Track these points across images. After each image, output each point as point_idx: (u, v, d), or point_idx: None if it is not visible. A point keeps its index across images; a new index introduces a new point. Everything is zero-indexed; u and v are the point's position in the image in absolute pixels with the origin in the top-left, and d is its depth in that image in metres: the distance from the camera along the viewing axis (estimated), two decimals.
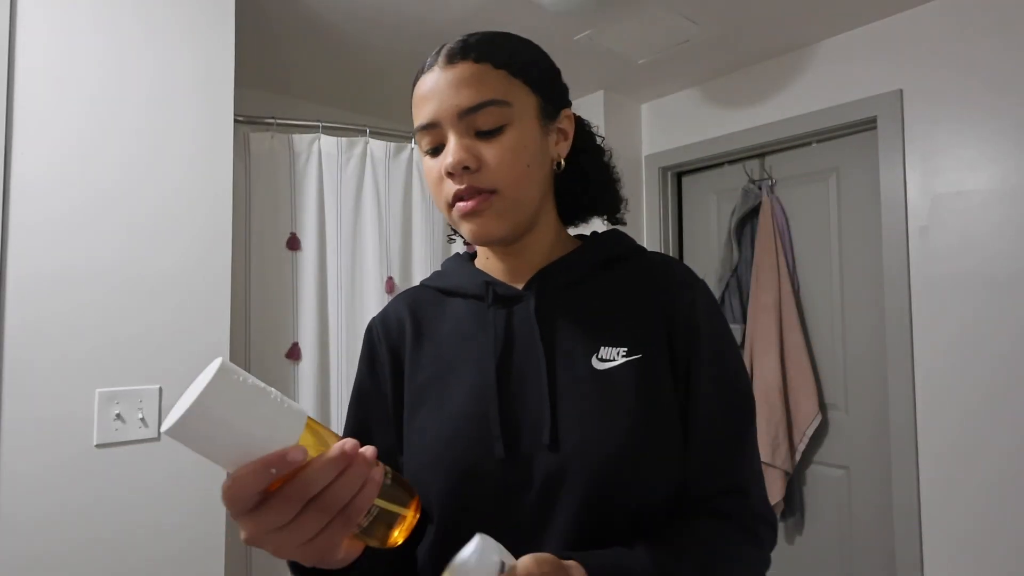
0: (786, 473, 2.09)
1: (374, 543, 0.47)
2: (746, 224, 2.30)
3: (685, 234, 2.58)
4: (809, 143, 2.17)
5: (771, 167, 2.28)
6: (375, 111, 2.61)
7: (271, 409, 0.41)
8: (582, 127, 0.73)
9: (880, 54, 1.92)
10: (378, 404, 0.71)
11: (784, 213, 2.22)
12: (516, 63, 0.64)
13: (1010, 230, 1.66)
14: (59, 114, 1.26)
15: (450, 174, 0.61)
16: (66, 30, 1.27)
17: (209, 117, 1.44)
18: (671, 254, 2.53)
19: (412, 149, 1.96)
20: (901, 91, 1.87)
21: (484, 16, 1.86)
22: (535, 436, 0.61)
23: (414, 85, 0.65)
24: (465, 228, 0.64)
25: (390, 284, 1.86)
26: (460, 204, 0.62)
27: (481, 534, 0.50)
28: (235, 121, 1.61)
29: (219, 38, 1.47)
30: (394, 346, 0.72)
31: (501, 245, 0.67)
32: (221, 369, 0.39)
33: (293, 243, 1.79)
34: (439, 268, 0.78)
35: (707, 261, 2.47)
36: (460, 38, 0.64)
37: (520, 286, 0.69)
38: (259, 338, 1.73)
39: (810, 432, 2.07)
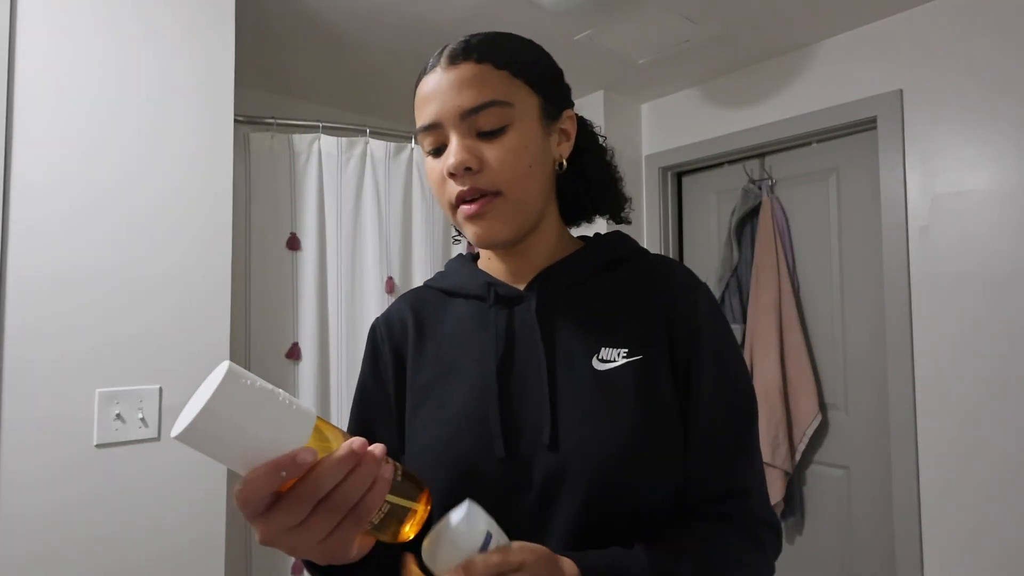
0: (786, 473, 2.09)
1: (386, 538, 0.47)
2: (746, 224, 2.30)
3: (685, 234, 2.58)
4: (809, 143, 2.17)
5: (771, 167, 2.28)
6: (375, 111, 2.61)
7: (280, 411, 0.41)
8: (584, 127, 0.73)
9: (880, 54, 1.92)
10: (381, 404, 0.72)
11: (784, 213, 2.22)
12: (518, 63, 0.64)
13: (1010, 230, 1.66)
14: (59, 114, 1.26)
15: (452, 175, 0.61)
16: (66, 30, 1.27)
17: (209, 117, 1.44)
18: (671, 254, 2.53)
19: (412, 149, 1.96)
20: (901, 91, 1.87)
21: (484, 16, 1.86)
22: (535, 436, 0.61)
23: (416, 86, 0.66)
24: (469, 231, 0.64)
25: (390, 284, 1.86)
26: (464, 207, 0.62)
27: (470, 500, 0.51)
28: (235, 121, 1.61)
29: (219, 38, 1.47)
30: (397, 346, 0.73)
31: (505, 247, 0.67)
32: (229, 373, 0.39)
33: (293, 243, 1.79)
34: (442, 269, 0.79)
35: (707, 261, 2.47)
36: (462, 39, 0.64)
37: (522, 287, 0.69)
38: (259, 338, 1.73)
39: (810, 432, 2.07)
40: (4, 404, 1.17)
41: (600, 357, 0.63)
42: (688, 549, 0.57)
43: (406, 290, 2.01)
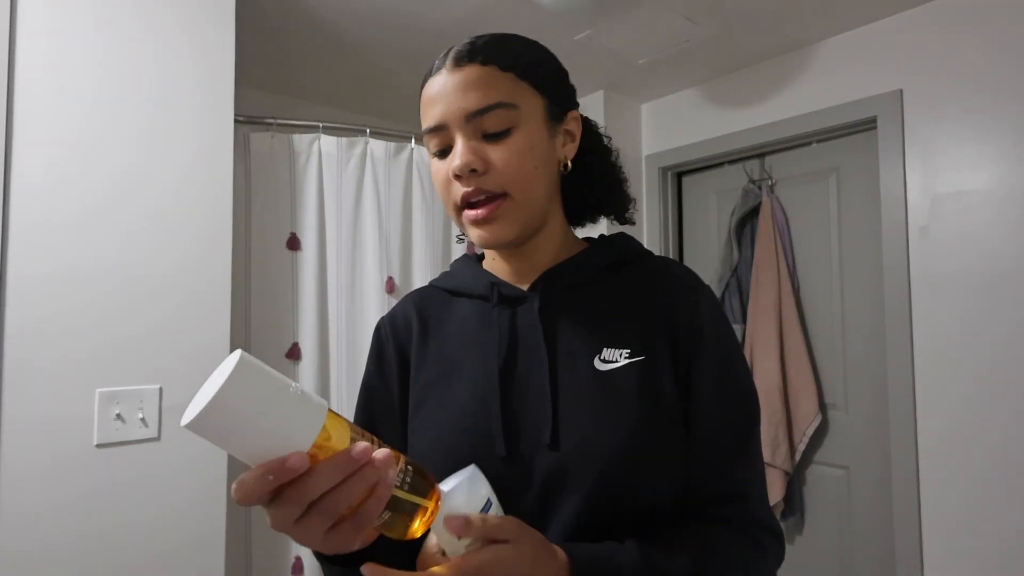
0: (786, 473, 2.09)
1: (394, 535, 0.47)
2: (746, 224, 2.30)
3: (685, 234, 2.58)
4: (809, 143, 2.17)
5: (771, 167, 2.28)
6: (375, 111, 2.61)
7: (292, 403, 0.40)
8: (589, 128, 0.74)
9: (880, 54, 1.92)
10: (385, 403, 0.72)
11: (784, 213, 2.22)
12: (523, 65, 0.64)
13: (1010, 230, 1.66)
14: (59, 115, 1.26)
15: (458, 176, 0.61)
16: (66, 30, 1.27)
17: (209, 117, 1.44)
18: (671, 254, 2.53)
19: (412, 149, 1.96)
20: (901, 91, 1.87)
21: (484, 16, 1.86)
22: (536, 435, 0.61)
23: (422, 88, 0.66)
24: (474, 233, 0.64)
25: (390, 284, 1.86)
26: (470, 212, 0.63)
27: (475, 466, 0.51)
28: (235, 121, 1.61)
29: (219, 38, 1.47)
30: (401, 345, 0.73)
31: (509, 248, 0.67)
32: (241, 362, 0.38)
33: (293, 243, 1.79)
34: (444, 269, 0.79)
35: (707, 261, 2.47)
36: (467, 40, 0.64)
37: (525, 287, 0.70)
38: (259, 338, 1.73)
39: (810, 432, 2.07)
40: (4, 404, 1.17)
41: (602, 357, 0.64)
42: (682, 547, 0.57)
43: (406, 290, 2.02)
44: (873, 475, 1.99)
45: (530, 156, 0.62)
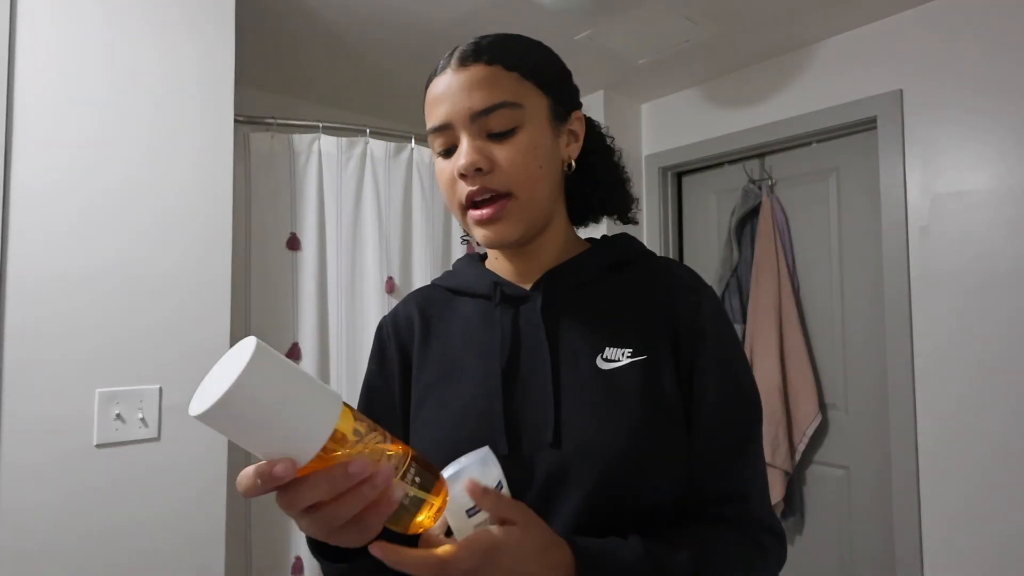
0: (786, 473, 2.09)
1: (398, 529, 0.46)
2: (746, 224, 2.30)
3: (685, 234, 2.58)
4: (809, 143, 2.17)
5: (771, 167, 2.28)
6: (375, 111, 2.61)
7: (307, 397, 0.39)
8: (592, 128, 0.74)
9: (880, 54, 1.92)
10: (386, 402, 0.72)
11: (784, 213, 2.22)
12: (528, 65, 0.64)
13: (1010, 230, 1.66)
14: (60, 116, 1.26)
15: (463, 175, 0.62)
16: (71, 24, 1.27)
17: (209, 117, 1.44)
18: (671, 254, 2.53)
19: (412, 149, 1.96)
20: (901, 91, 1.87)
21: (484, 16, 1.86)
22: (538, 434, 0.61)
23: (426, 88, 0.66)
24: (479, 233, 0.64)
25: (390, 284, 1.86)
26: (475, 212, 0.63)
27: (488, 447, 0.52)
28: (235, 121, 1.61)
29: (219, 38, 1.47)
30: (403, 344, 0.73)
31: (513, 248, 0.68)
32: (257, 351, 0.37)
33: (293, 243, 1.79)
34: (445, 269, 0.79)
35: (707, 261, 2.47)
36: (472, 40, 0.64)
37: (527, 286, 0.70)
38: (259, 338, 1.73)
39: (810, 432, 2.07)
40: (4, 404, 1.17)
41: (605, 356, 0.64)
42: (684, 545, 0.57)
43: (406, 290, 2.02)
44: (873, 475, 1.99)
45: (535, 155, 0.63)
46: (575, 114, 0.69)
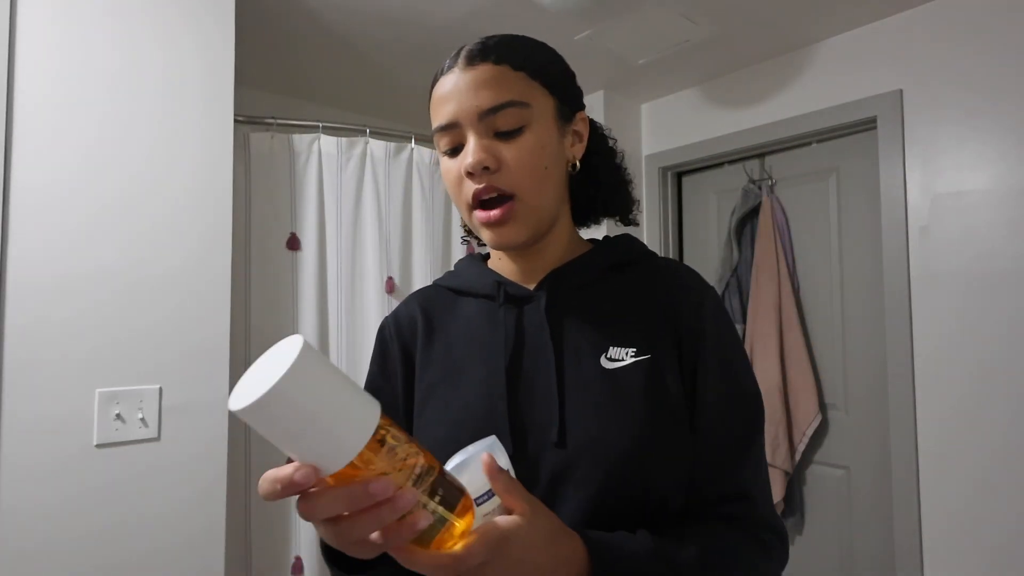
0: (786, 473, 2.09)
1: (421, 547, 0.44)
2: (746, 224, 2.30)
3: (685, 234, 2.58)
4: (809, 143, 2.17)
5: (771, 167, 2.28)
6: (375, 111, 2.61)
7: (345, 406, 0.38)
8: (595, 129, 0.74)
9: (880, 54, 1.92)
10: (389, 403, 0.72)
11: (784, 213, 2.22)
12: (535, 65, 0.64)
13: (1011, 230, 1.66)
14: (60, 117, 1.26)
15: (470, 174, 0.62)
16: (67, 31, 1.27)
17: (209, 117, 1.44)
18: (671, 254, 2.53)
19: (412, 149, 1.96)
20: (901, 91, 1.87)
21: (484, 16, 1.86)
22: (543, 434, 0.61)
23: (432, 87, 0.66)
24: (486, 235, 0.64)
25: (390, 284, 1.86)
26: (483, 214, 0.63)
27: (495, 436, 0.52)
28: (235, 121, 1.61)
29: (219, 38, 1.47)
30: (406, 344, 0.73)
31: (520, 250, 0.68)
32: (302, 353, 0.36)
33: (293, 243, 1.79)
34: (446, 269, 0.79)
35: (707, 261, 2.47)
36: (479, 40, 0.65)
37: (531, 286, 0.70)
38: (259, 338, 1.73)
39: (810, 432, 2.07)
40: (4, 404, 1.17)
41: (608, 356, 0.64)
42: (692, 541, 0.57)
43: (406, 290, 2.02)
44: (873, 475, 1.99)
45: (541, 155, 0.63)
46: (579, 115, 0.69)
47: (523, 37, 0.67)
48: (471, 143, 0.62)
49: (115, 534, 1.26)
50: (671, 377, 0.63)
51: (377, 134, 1.95)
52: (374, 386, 0.74)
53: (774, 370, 2.10)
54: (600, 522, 0.58)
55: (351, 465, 0.39)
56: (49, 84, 1.25)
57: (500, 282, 0.70)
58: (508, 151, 0.62)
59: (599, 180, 0.74)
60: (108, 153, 1.31)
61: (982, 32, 1.72)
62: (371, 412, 0.40)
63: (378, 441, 0.40)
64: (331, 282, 1.83)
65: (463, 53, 0.64)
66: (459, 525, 0.44)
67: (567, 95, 0.68)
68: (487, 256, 0.78)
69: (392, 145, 1.92)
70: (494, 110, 0.61)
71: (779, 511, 2.12)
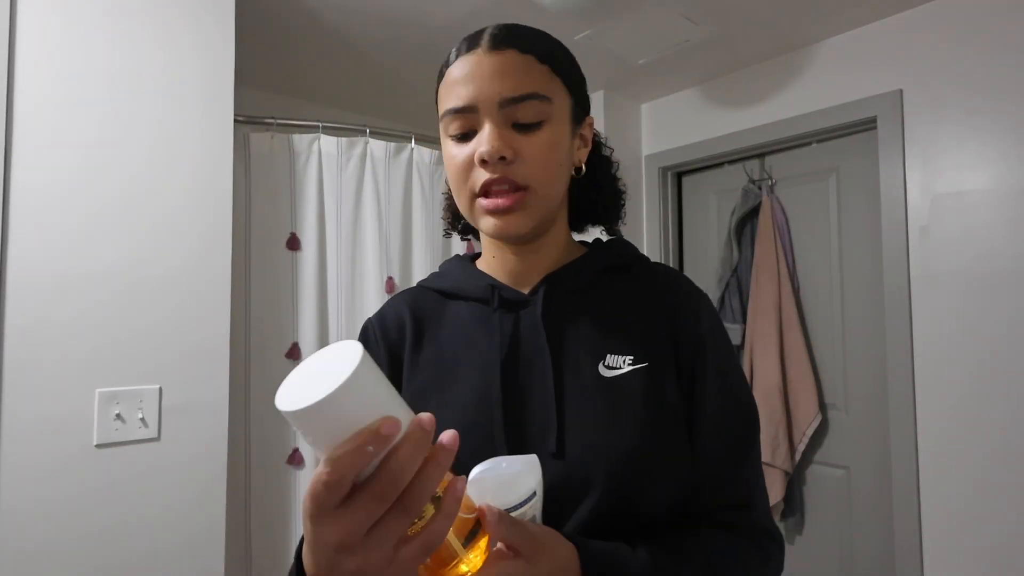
0: (786, 473, 2.09)
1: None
2: (746, 224, 2.30)
3: (685, 234, 2.58)
4: (809, 143, 2.17)
5: (771, 167, 2.28)
6: (375, 111, 2.61)
7: (400, 411, 0.37)
8: (596, 137, 0.73)
9: (880, 54, 1.92)
10: None
11: (784, 213, 2.21)
12: (557, 61, 0.63)
13: (1011, 230, 1.66)
14: (61, 117, 1.26)
15: (484, 162, 0.59)
16: (67, 31, 1.27)
17: (209, 117, 1.44)
18: (671, 254, 2.53)
19: (412, 149, 1.96)
20: (901, 91, 1.87)
21: (484, 16, 1.86)
22: (540, 443, 0.60)
23: (446, 67, 0.63)
24: (489, 222, 0.62)
25: (390, 284, 1.86)
26: (490, 200, 0.60)
27: (536, 456, 0.50)
28: (235, 121, 1.61)
29: (220, 38, 1.47)
30: (393, 347, 0.71)
31: (518, 242, 0.66)
32: (361, 364, 0.35)
33: (293, 243, 1.79)
34: (436, 270, 0.78)
35: (707, 261, 2.47)
36: (500, 25, 0.62)
37: (525, 290, 0.68)
38: (259, 338, 1.73)
39: (810, 432, 2.07)
40: (4, 404, 1.17)
41: (606, 364, 0.63)
42: (691, 552, 0.56)
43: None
44: (873, 475, 1.99)
45: (556, 152, 0.61)
46: (588, 119, 0.69)
47: (541, 30, 0.65)
48: (488, 130, 0.59)
49: (115, 534, 1.26)
50: (669, 385, 0.62)
51: (377, 134, 1.95)
52: None
53: (774, 370, 2.09)
54: (599, 532, 0.57)
55: None
56: (49, 84, 1.25)
57: (494, 286, 0.68)
58: (525, 144, 0.60)
59: (600, 186, 0.73)
60: (108, 153, 1.31)
61: (982, 32, 1.72)
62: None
63: None
64: (331, 282, 1.83)
65: (487, 35, 0.61)
66: (474, 560, 0.43)
67: (581, 97, 0.67)
68: (475, 257, 0.75)
69: (392, 145, 1.92)
70: (516, 100, 0.59)
71: (779, 511, 2.12)
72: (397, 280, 1.88)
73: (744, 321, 2.25)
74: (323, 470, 0.35)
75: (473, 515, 0.43)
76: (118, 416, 1.28)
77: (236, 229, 1.66)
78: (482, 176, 0.60)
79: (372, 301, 1.84)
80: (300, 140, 1.82)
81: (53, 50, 1.26)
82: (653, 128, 2.59)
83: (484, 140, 0.59)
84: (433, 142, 2.01)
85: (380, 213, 1.87)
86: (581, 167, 0.68)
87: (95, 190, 1.29)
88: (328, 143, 1.84)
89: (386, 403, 0.37)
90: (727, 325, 2.25)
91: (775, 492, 2.07)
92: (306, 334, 1.77)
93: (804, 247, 2.18)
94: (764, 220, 2.20)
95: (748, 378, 2.16)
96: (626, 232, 2.39)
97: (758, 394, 2.11)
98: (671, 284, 0.68)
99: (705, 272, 2.45)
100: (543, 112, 0.60)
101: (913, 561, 1.79)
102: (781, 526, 2.18)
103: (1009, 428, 1.64)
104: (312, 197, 1.81)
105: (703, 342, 0.64)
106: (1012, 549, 1.63)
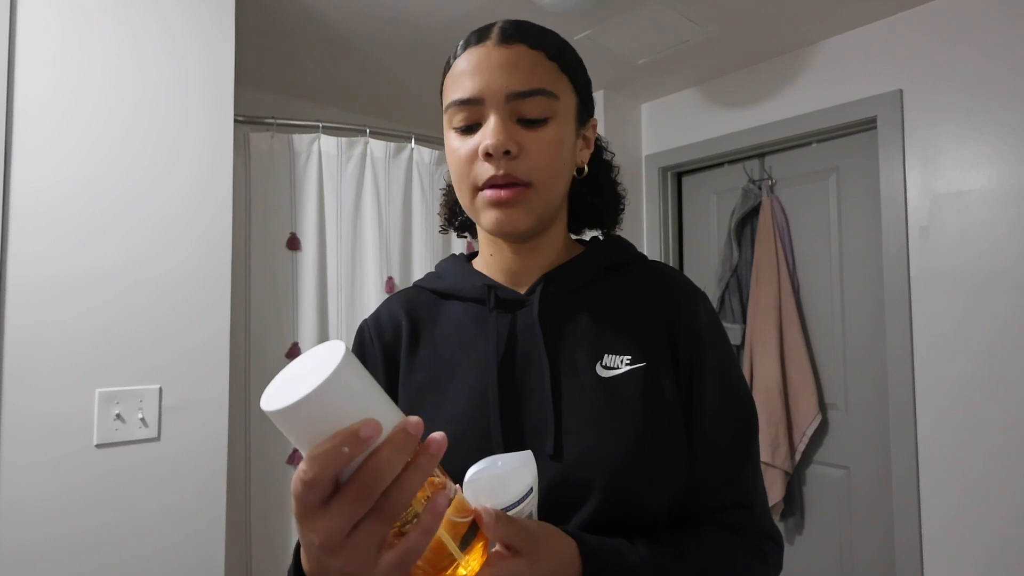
0: (786, 473, 2.09)
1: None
2: (746, 224, 2.30)
3: (685, 234, 2.58)
4: (809, 143, 2.17)
5: (771, 167, 2.28)
6: (375, 111, 2.61)
7: (382, 415, 0.37)
8: (598, 141, 0.73)
9: (880, 54, 1.92)
10: None
11: (784, 213, 2.21)
12: (566, 59, 0.63)
13: (1011, 230, 1.66)
14: (61, 117, 1.26)
15: (488, 155, 0.58)
16: (68, 31, 1.27)
17: (209, 117, 1.44)
18: (671, 254, 2.53)
19: (412, 149, 1.96)
20: (901, 91, 1.87)
21: (484, 16, 1.86)
22: (538, 445, 0.60)
23: (453, 59, 0.63)
24: (490, 215, 0.61)
25: (390, 284, 1.86)
26: (492, 192, 0.60)
27: (531, 452, 0.50)
28: (235, 121, 1.61)
29: (220, 38, 1.47)
30: (388, 347, 0.70)
31: (518, 240, 0.66)
32: (343, 362, 0.35)
33: (293, 243, 1.79)
34: (433, 270, 0.77)
35: (707, 261, 2.47)
36: (510, 20, 0.62)
37: (522, 289, 0.68)
38: (259, 338, 1.73)
39: (810, 432, 2.07)
40: (5, 403, 1.17)
41: (604, 364, 0.62)
42: (689, 551, 0.56)
43: None
44: (873, 475, 1.99)
45: (560, 150, 0.61)
46: (592, 121, 0.68)
47: (552, 30, 0.65)
48: (492, 123, 0.58)
49: (115, 534, 1.27)
50: (667, 384, 0.62)
51: (377, 134, 1.95)
52: None
53: (774, 370, 2.09)
54: (598, 533, 0.57)
55: None
56: (49, 84, 1.25)
57: (491, 286, 0.67)
58: (530, 140, 0.59)
59: (601, 189, 0.73)
60: (108, 153, 1.31)
61: (982, 32, 1.72)
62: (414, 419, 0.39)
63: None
64: (331, 282, 1.83)
65: (496, 29, 0.61)
66: (472, 565, 0.43)
67: (587, 98, 0.67)
68: (471, 256, 0.75)
69: (392, 145, 1.92)
70: (524, 94, 0.58)
71: (779, 511, 2.12)
72: (397, 280, 1.88)
73: (744, 321, 2.25)
74: (302, 468, 0.36)
75: (469, 518, 0.43)
76: (118, 416, 1.28)
77: (236, 229, 1.66)
78: (486, 170, 0.59)
79: (372, 301, 1.84)
80: (300, 140, 1.82)
81: (53, 50, 1.26)
82: (653, 128, 2.59)
83: (489, 133, 0.58)
84: (433, 142, 2.01)
85: (380, 213, 1.87)
86: (583, 168, 0.68)
87: (95, 190, 1.29)
88: (328, 143, 1.84)
89: (369, 403, 0.37)
90: (727, 325, 2.26)
91: (775, 492, 2.07)
92: (306, 334, 1.77)
93: (804, 247, 2.18)
94: (764, 220, 2.20)
95: (748, 378, 2.16)
96: (626, 232, 2.39)
97: (758, 394, 2.11)
98: (669, 282, 0.68)
99: (705, 272, 2.45)
100: (549, 109, 0.60)
101: (913, 561, 1.79)
102: (781, 526, 2.18)
103: (1009, 428, 1.64)
104: (312, 197, 1.81)
105: (701, 340, 0.64)
106: (1012, 549, 1.63)
